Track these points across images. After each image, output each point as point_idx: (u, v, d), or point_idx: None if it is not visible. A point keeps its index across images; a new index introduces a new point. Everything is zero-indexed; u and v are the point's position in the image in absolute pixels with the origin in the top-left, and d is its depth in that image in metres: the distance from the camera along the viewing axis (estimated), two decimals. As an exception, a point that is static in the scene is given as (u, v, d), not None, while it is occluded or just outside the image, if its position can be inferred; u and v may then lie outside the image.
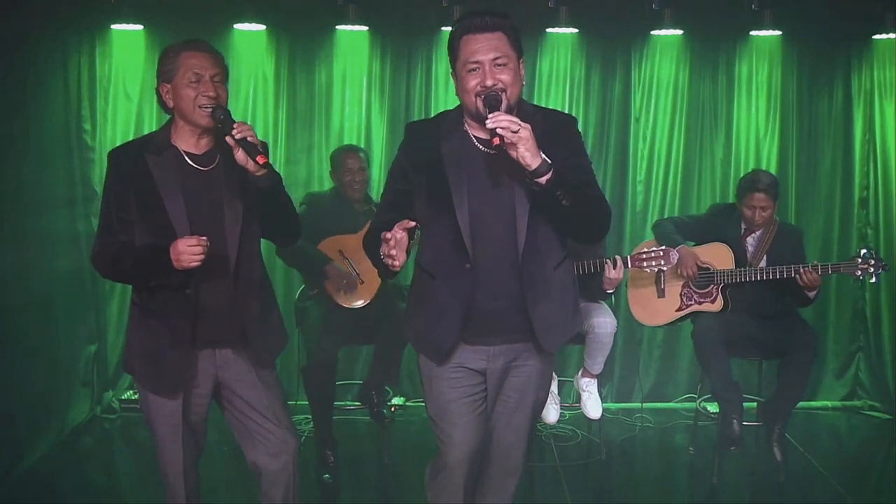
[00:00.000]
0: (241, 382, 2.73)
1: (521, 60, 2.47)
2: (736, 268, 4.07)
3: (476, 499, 2.77)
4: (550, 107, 4.99)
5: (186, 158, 2.62)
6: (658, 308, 4.24)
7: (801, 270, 3.86)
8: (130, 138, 4.87)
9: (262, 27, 4.78)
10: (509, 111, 2.38)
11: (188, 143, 2.63)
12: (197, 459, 2.83)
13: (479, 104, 2.40)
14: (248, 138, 2.47)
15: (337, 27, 4.87)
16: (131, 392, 4.95)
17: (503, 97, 2.38)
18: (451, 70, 2.52)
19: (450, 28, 2.52)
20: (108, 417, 4.75)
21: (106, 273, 2.72)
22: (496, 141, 2.29)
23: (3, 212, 3.97)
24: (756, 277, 4.01)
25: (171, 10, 4.72)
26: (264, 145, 2.55)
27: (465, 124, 2.52)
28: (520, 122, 2.28)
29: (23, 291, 4.06)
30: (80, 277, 4.69)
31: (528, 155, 2.29)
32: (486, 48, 2.39)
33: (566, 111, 5.01)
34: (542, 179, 2.32)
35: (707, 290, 4.14)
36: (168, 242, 2.50)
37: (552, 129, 2.48)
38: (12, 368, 3.94)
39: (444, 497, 2.69)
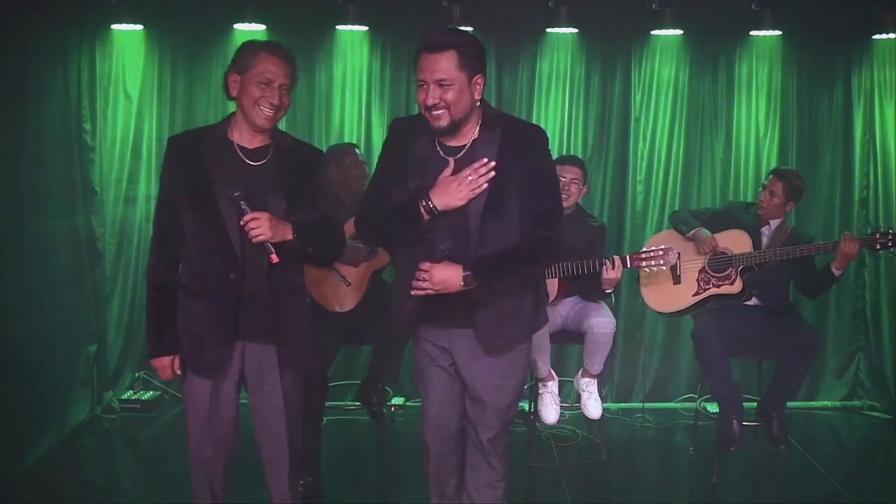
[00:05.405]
0: (261, 380, 2.76)
1: (475, 77, 2.54)
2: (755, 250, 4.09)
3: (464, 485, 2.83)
4: (550, 107, 5.06)
5: (239, 152, 2.70)
6: (674, 294, 4.20)
7: (834, 245, 3.97)
8: (130, 138, 4.93)
9: (262, 27, 4.77)
10: (455, 126, 2.55)
11: (243, 137, 2.71)
12: (226, 460, 2.83)
13: (428, 116, 2.55)
14: (256, 237, 2.57)
15: (337, 27, 4.88)
16: (131, 392, 4.96)
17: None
18: None
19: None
20: (108, 417, 4.74)
21: (149, 258, 2.82)
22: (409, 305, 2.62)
23: (2, 211, 3.97)
24: (776, 258, 4.02)
25: (171, 10, 4.73)
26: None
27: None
28: (430, 282, 2.54)
29: (22, 291, 4.05)
30: (79, 277, 4.69)
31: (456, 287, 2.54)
32: (431, 68, 2.50)
33: (566, 111, 5.07)
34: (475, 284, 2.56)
35: (726, 272, 4.13)
36: (216, 231, 2.63)
37: (515, 139, 2.60)
38: (12, 368, 3.93)
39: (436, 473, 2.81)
